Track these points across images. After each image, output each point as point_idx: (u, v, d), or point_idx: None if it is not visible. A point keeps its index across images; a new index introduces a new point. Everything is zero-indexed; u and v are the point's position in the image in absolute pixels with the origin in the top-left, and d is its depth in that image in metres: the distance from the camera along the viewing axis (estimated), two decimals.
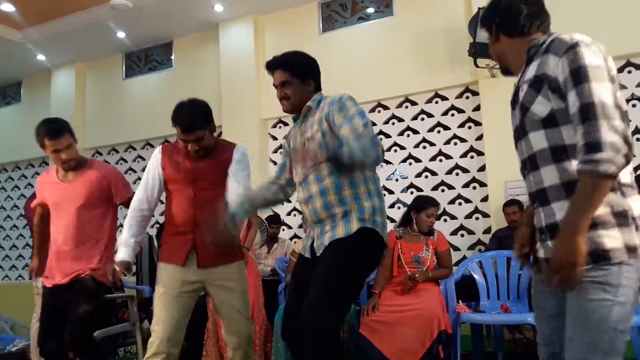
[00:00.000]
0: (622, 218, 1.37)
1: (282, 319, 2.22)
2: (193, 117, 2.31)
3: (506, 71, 1.70)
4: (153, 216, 2.66)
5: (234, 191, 2.31)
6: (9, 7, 5.72)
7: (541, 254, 1.55)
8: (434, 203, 3.50)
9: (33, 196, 3.27)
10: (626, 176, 1.40)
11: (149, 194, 2.46)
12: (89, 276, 2.65)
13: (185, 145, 2.38)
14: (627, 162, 1.32)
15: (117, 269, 2.56)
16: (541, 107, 1.46)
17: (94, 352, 2.66)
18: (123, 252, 2.47)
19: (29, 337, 5.18)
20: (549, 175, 1.47)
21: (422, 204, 3.47)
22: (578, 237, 1.33)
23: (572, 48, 1.39)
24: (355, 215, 2.02)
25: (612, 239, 1.37)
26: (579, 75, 1.36)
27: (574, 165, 1.41)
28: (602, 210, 1.37)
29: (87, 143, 7.02)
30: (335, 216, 2.05)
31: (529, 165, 1.53)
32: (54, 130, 2.63)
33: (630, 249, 1.36)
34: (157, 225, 5.66)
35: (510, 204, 4.28)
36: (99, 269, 2.69)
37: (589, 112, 1.33)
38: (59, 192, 2.77)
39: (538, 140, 1.48)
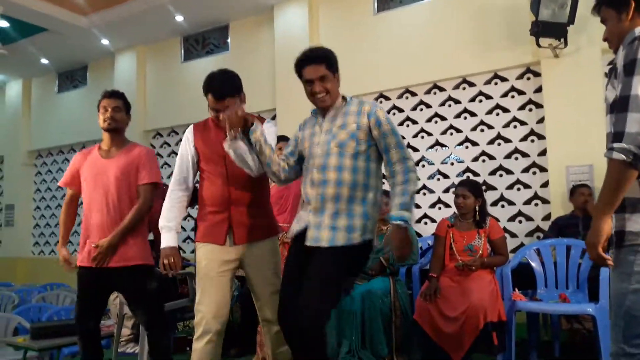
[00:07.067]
0: None
1: (279, 305, 2.27)
2: (224, 84, 2.37)
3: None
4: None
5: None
6: None
7: None
8: (461, 183, 3.45)
9: None
10: None
11: (185, 175, 2.48)
12: (141, 265, 2.74)
13: (216, 116, 2.39)
14: None
15: (173, 260, 2.40)
16: (609, 93, 1.59)
17: (166, 326, 2.89)
18: (168, 238, 2.42)
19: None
20: None
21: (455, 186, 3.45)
22: (598, 219, 1.51)
23: (633, 41, 1.48)
24: (359, 223, 2.14)
25: (633, 222, 1.50)
26: (628, 68, 1.47)
27: None
28: (635, 194, 1.50)
29: (148, 125, 7.29)
30: (339, 212, 2.15)
31: None
32: (112, 91, 2.94)
33: None
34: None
35: (581, 187, 4.06)
36: (143, 255, 2.77)
37: (622, 104, 1.46)
38: (98, 167, 2.82)
39: (608, 124, 1.61)
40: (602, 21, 1.74)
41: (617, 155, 1.44)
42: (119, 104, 2.88)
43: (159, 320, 2.83)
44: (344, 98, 2.29)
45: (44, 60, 7.97)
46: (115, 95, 2.91)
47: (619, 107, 1.47)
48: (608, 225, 1.51)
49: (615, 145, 1.45)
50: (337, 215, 2.15)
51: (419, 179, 2.13)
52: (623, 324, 1.51)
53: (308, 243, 2.17)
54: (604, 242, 1.52)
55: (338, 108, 2.27)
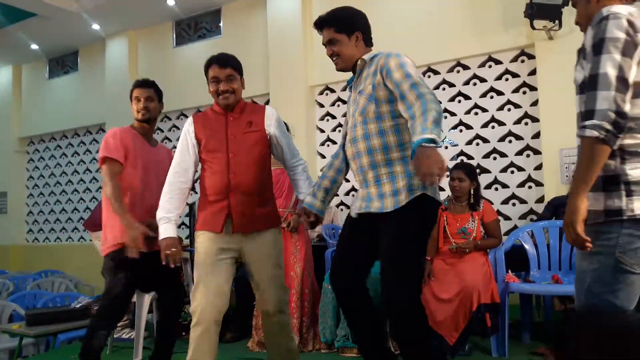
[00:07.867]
0: (610, 183, 1.50)
1: (330, 276, 2.28)
2: (228, 56, 2.42)
3: None
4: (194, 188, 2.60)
5: (305, 188, 2.46)
6: None
7: None
8: (456, 167, 3.44)
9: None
10: (632, 143, 1.50)
11: (186, 167, 2.41)
12: None
13: (216, 89, 2.36)
14: (617, 129, 1.44)
15: (174, 250, 2.32)
16: (578, 74, 1.61)
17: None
18: (168, 228, 2.34)
19: (91, 294, 5.52)
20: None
21: (450, 169, 3.44)
22: (575, 198, 1.49)
23: (601, 21, 1.50)
24: (402, 184, 2.01)
25: (594, 201, 1.52)
26: (597, 47, 1.49)
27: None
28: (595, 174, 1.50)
29: None
30: (381, 180, 2.07)
31: None
32: (143, 80, 2.97)
33: (611, 213, 1.49)
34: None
35: None
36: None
37: (592, 83, 1.47)
38: (151, 153, 2.80)
39: (578, 104, 1.62)
40: (573, 5, 1.77)
41: (589, 133, 1.45)
42: (151, 94, 2.86)
43: (180, 304, 2.90)
44: (363, 60, 2.16)
45: (34, 46, 7.87)
46: (146, 84, 2.87)
47: (589, 85, 1.49)
48: (585, 204, 1.48)
49: (587, 122, 1.46)
50: (380, 182, 2.07)
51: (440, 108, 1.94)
52: (584, 300, 1.56)
53: (354, 211, 2.16)
54: (582, 222, 1.48)
55: (360, 72, 2.17)
